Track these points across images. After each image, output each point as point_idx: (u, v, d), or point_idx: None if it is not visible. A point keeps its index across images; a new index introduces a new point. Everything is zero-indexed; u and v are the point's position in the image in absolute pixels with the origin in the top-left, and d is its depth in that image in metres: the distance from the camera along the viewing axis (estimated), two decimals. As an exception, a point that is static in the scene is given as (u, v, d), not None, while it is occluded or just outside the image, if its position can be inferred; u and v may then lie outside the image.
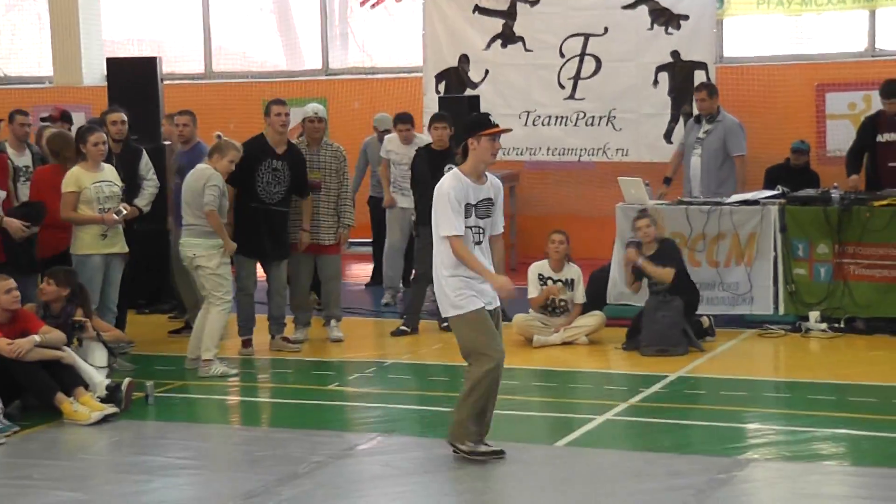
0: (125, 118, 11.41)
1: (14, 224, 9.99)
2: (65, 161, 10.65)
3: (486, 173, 7.65)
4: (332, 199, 11.50)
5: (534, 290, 11.45)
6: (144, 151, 11.56)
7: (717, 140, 12.86)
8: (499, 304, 7.75)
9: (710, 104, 12.97)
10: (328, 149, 11.57)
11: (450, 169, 11.60)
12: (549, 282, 11.42)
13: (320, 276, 11.81)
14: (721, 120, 12.95)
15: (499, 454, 7.73)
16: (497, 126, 7.59)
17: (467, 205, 7.54)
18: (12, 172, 10.74)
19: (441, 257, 7.59)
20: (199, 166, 10.64)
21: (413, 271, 12.71)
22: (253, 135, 11.39)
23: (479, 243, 7.62)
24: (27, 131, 11.93)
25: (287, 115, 11.15)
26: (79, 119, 15.23)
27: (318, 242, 11.48)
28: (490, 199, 7.63)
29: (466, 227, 7.53)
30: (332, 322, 11.71)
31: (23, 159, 11.48)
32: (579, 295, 11.41)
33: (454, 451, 7.73)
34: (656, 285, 11.05)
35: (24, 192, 10.98)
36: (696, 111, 13.35)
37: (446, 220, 7.50)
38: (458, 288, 7.53)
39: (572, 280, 11.43)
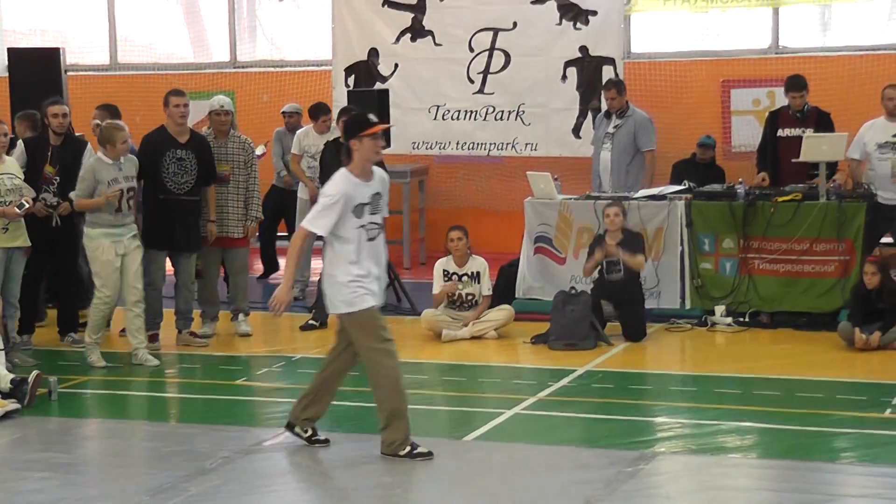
0: (67, 111, 11.12)
1: None
2: None
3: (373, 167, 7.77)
4: (241, 191, 11.42)
5: (437, 287, 11.46)
6: (89, 144, 11.29)
7: (627, 135, 12.95)
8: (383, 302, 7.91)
9: (620, 101, 13.06)
10: (236, 141, 11.48)
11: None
12: (454, 277, 11.43)
13: (228, 269, 11.72)
14: (631, 115, 13.04)
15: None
16: (377, 124, 7.68)
17: (360, 204, 7.63)
18: None
19: (345, 251, 7.63)
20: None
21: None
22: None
23: (372, 239, 7.70)
24: None
25: (186, 105, 11.03)
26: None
27: (226, 235, 11.38)
28: (378, 192, 7.75)
29: (360, 226, 7.62)
30: (240, 316, 11.63)
31: None
32: (486, 287, 11.46)
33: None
34: (615, 272, 11.06)
35: None
36: (605, 107, 13.44)
37: (316, 216, 7.62)
38: (349, 285, 7.61)
39: (477, 273, 11.46)
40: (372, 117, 7.73)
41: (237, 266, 11.64)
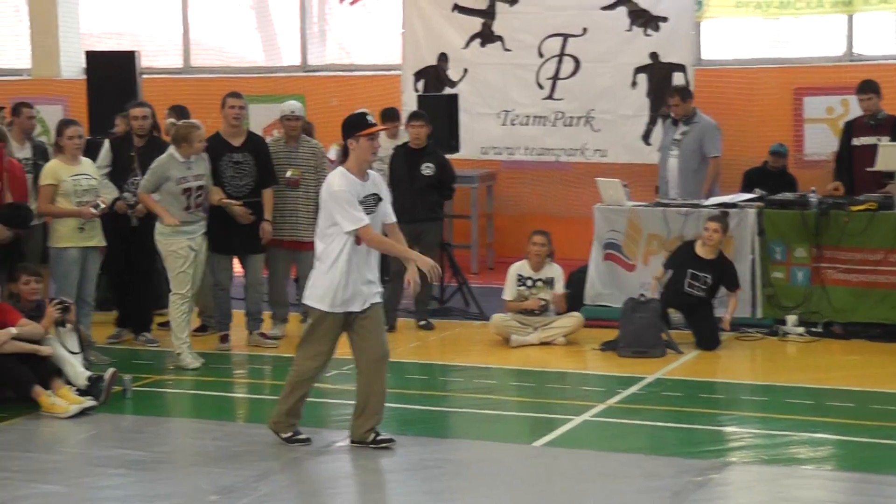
0: (148, 113, 11.22)
1: (2, 233, 9.82)
2: None
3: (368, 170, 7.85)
4: (311, 195, 11.45)
5: (510, 292, 11.43)
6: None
7: (693, 141, 12.89)
8: (378, 300, 7.96)
9: (685, 108, 13.00)
10: (306, 145, 11.54)
11: (427, 167, 11.88)
12: (528, 282, 11.40)
13: (298, 271, 11.79)
14: (698, 121, 12.98)
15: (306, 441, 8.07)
16: (374, 125, 7.77)
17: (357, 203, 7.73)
18: None
19: (330, 250, 7.72)
20: None
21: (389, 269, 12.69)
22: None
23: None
24: (34, 124, 11.85)
25: (242, 108, 11.08)
26: (55, 113, 15.19)
27: (296, 239, 11.45)
28: (375, 194, 7.83)
29: None
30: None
31: (23, 152, 11.36)
32: (558, 287, 11.39)
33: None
34: (698, 290, 11.06)
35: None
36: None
37: (347, 216, 7.66)
38: (330, 286, 7.75)
39: (551, 279, 11.42)
40: (370, 118, 7.78)
41: (306, 269, 11.65)
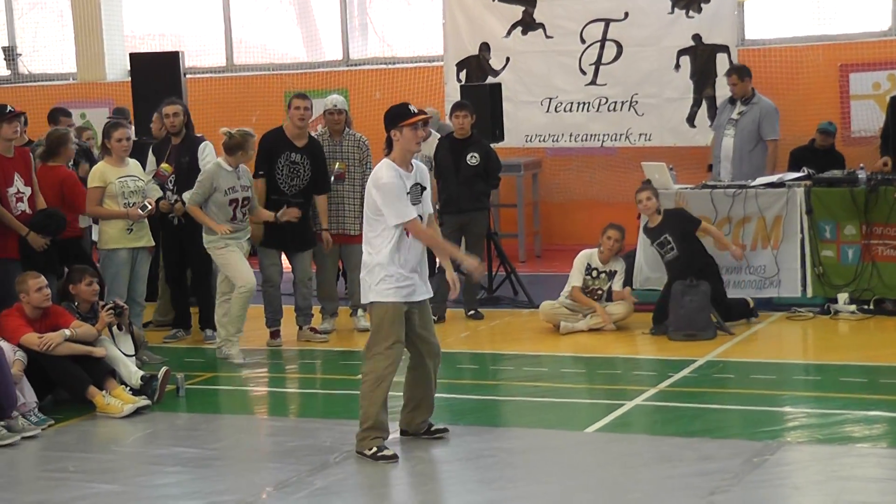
0: (179, 110, 11.26)
1: (38, 241, 9.87)
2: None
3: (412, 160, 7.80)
4: (357, 188, 11.48)
5: (578, 278, 11.34)
6: (207, 143, 11.43)
7: (751, 122, 12.82)
8: (429, 295, 7.88)
9: (744, 87, 12.91)
10: (350, 139, 11.57)
11: (472, 157, 11.87)
12: (595, 272, 11.33)
13: (345, 265, 11.83)
14: (757, 102, 12.91)
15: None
16: (416, 115, 7.68)
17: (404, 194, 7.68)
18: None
19: (379, 245, 7.66)
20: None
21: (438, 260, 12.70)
22: (274, 126, 11.39)
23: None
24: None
25: (307, 109, 11.13)
26: (102, 116, 15.29)
27: (342, 232, 11.49)
28: (419, 184, 7.76)
29: None
30: (359, 312, 11.72)
31: None
32: (618, 283, 11.34)
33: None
34: (669, 252, 11.03)
35: None
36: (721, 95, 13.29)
37: (396, 209, 7.59)
38: (387, 277, 7.64)
39: (614, 272, 11.37)
40: (412, 108, 7.73)
41: (354, 262, 11.69)
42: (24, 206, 9.81)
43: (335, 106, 11.53)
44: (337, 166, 11.43)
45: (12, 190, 9.75)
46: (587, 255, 11.42)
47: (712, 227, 11.29)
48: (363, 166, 11.52)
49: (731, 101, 13.06)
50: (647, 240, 11.40)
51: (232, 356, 10.41)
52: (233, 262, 10.45)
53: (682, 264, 11.05)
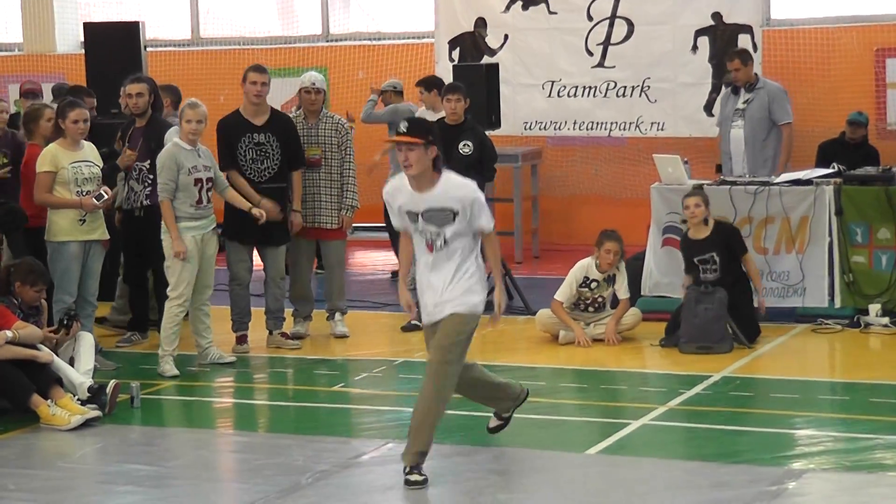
0: (143, 89, 11.23)
1: None
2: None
3: None
4: (335, 177, 11.48)
5: (565, 292, 11.20)
6: (175, 128, 11.43)
7: (760, 109, 12.89)
8: None
9: (747, 72, 12.99)
10: (328, 121, 11.54)
11: (465, 145, 11.88)
12: (593, 284, 11.31)
13: (324, 263, 11.85)
14: (762, 86, 12.98)
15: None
16: (397, 135, 7.86)
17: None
18: None
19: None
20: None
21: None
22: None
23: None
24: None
25: (264, 83, 11.07)
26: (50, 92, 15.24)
27: (319, 226, 11.49)
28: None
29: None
30: (337, 315, 11.73)
31: None
32: (623, 289, 11.31)
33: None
34: (710, 271, 11.00)
35: None
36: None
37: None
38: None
39: (613, 276, 11.34)
40: (402, 127, 7.86)
41: (332, 260, 11.75)
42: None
43: (313, 84, 11.52)
44: (312, 152, 11.42)
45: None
46: (585, 266, 11.31)
47: (754, 262, 11.25)
48: (342, 152, 11.51)
49: (734, 90, 13.11)
50: (684, 251, 11.25)
51: (165, 371, 10.39)
52: (175, 267, 10.42)
53: (720, 285, 11.01)
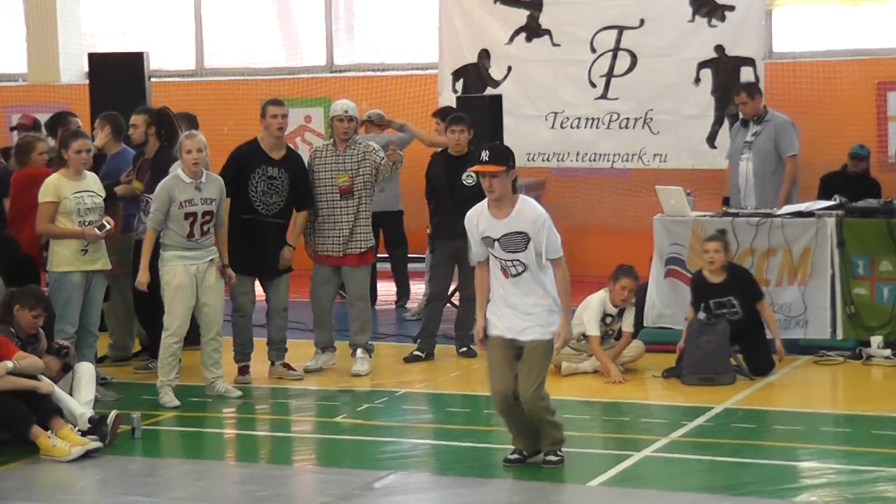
0: (138, 121, 11.33)
1: None
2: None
3: None
4: (363, 205, 11.30)
5: (594, 327, 11.09)
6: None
7: (767, 141, 12.90)
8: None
9: (754, 106, 13.01)
10: (356, 148, 11.31)
11: (469, 177, 11.86)
12: (608, 318, 11.28)
13: (348, 294, 11.54)
14: (770, 119, 13.00)
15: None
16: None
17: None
18: None
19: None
20: None
21: (429, 290, 12.68)
22: (249, 139, 11.36)
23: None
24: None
25: (285, 116, 11.11)
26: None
27: (345, 254, 11.27)
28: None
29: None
30: (358, 352, 11.36)
31: None
32: (627, 323, 11.30)
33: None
34: (733, 315, 11.00)
35: None
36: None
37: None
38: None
39: (622, 310, 11.32)
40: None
41: (355, 291, 11.45)
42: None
43: (346, 112, 11.34)
44: (341, 180, 11.32)
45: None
46: (601, 301, 11.23)
47: (769, 308, 11.24)
48: (375, 175, 11.33)
49: (744, 123, 13.13)
50: (698, 291, 11.21)
51: (165, 402, 10.35)
52: (173, 299, 10.35)
53: (741, 328, 10.98)
